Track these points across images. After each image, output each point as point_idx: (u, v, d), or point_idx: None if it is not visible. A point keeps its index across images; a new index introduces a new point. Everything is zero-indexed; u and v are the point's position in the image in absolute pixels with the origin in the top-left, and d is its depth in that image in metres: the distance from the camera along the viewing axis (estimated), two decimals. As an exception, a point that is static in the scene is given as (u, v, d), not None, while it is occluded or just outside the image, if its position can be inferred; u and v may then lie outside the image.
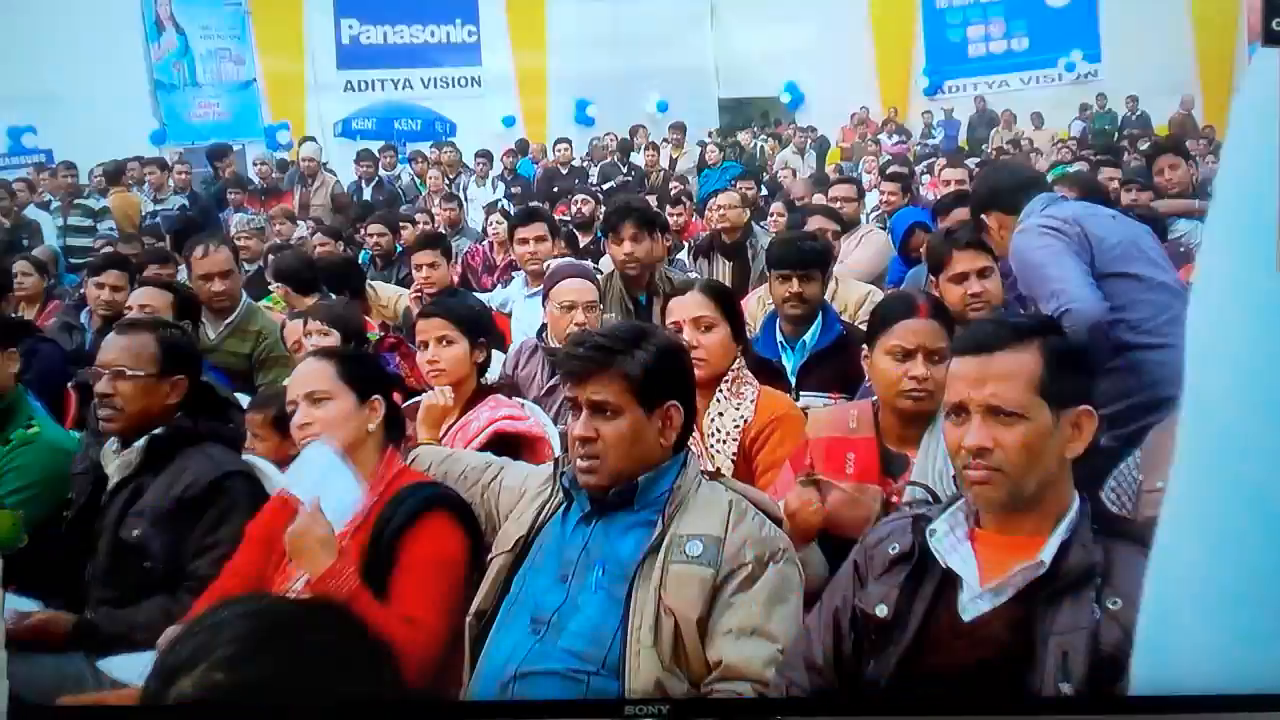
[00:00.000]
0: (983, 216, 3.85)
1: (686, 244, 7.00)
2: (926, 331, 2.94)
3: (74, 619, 2.96)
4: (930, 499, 2.63)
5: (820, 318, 4.16)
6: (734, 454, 3.34)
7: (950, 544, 2.20)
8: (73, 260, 8.53)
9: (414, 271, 5.72)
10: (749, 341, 3.80)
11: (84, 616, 2.97)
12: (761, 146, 13.93)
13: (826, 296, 4.53)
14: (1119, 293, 3.38)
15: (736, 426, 3.34)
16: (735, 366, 3.44)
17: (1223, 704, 2.09)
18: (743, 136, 14.22)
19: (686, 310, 3.51)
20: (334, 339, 3.90)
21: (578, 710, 2.32)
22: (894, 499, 2.81)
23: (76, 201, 9.82)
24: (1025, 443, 2.11)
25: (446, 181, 11.24)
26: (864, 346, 3.09)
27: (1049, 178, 6.54)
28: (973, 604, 2.15)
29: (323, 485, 2.67)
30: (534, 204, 8.27)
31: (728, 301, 3.57)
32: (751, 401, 3.38)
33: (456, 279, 6.23)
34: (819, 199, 7.22)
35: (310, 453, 2.73)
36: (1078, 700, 2.16)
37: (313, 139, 12.39)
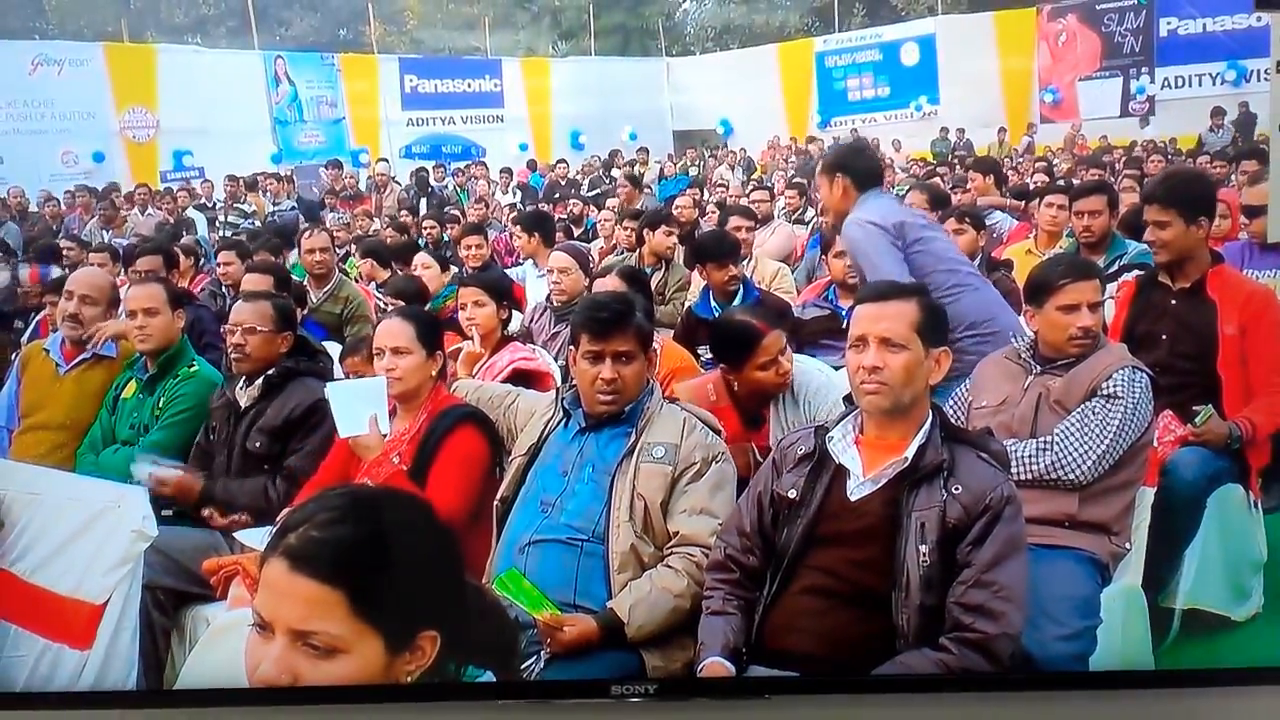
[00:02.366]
0: (836, 175, 3.37)
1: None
2: (776, 341, 2.81)
3: (202, 482, 2.96)
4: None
5: (742, 287, 4.11)
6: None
7: (842, 447, 2.16)
8: (229, 248, 8.48)
9: (461, 250, 5.64)
10: (651, 311, 3.64)
11: (208, 483, 2.97)
12: (703, 164, 13.84)
13: (749, 272, 4.49)
14: (919, 265, 3.19)
15: None
16: None
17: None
18: (690, 156, 14.14)
19: (606, 286, 3.49)
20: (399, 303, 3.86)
21: (564, 690, 2.16)
22: (753, 447, 2.73)
23: (235, 205, 9.76)
24: (906, 366, 2.10)
25: (489, 186, 11.23)
26: (723, 366, 2.89)
27: (905, 189, 6.52)
28: (858, 488, 2.12)
29: (376, 405, 2.70)
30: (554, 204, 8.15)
31: (637, 283, 3.56)
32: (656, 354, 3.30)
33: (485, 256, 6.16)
34: (743, 201, 7.17)
35: (369, 384, 2.77)
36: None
37: (385, 160, 12.35)
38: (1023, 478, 2.49)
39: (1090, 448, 2.49)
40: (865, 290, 2.28)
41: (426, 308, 3.98)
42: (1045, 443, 2.54)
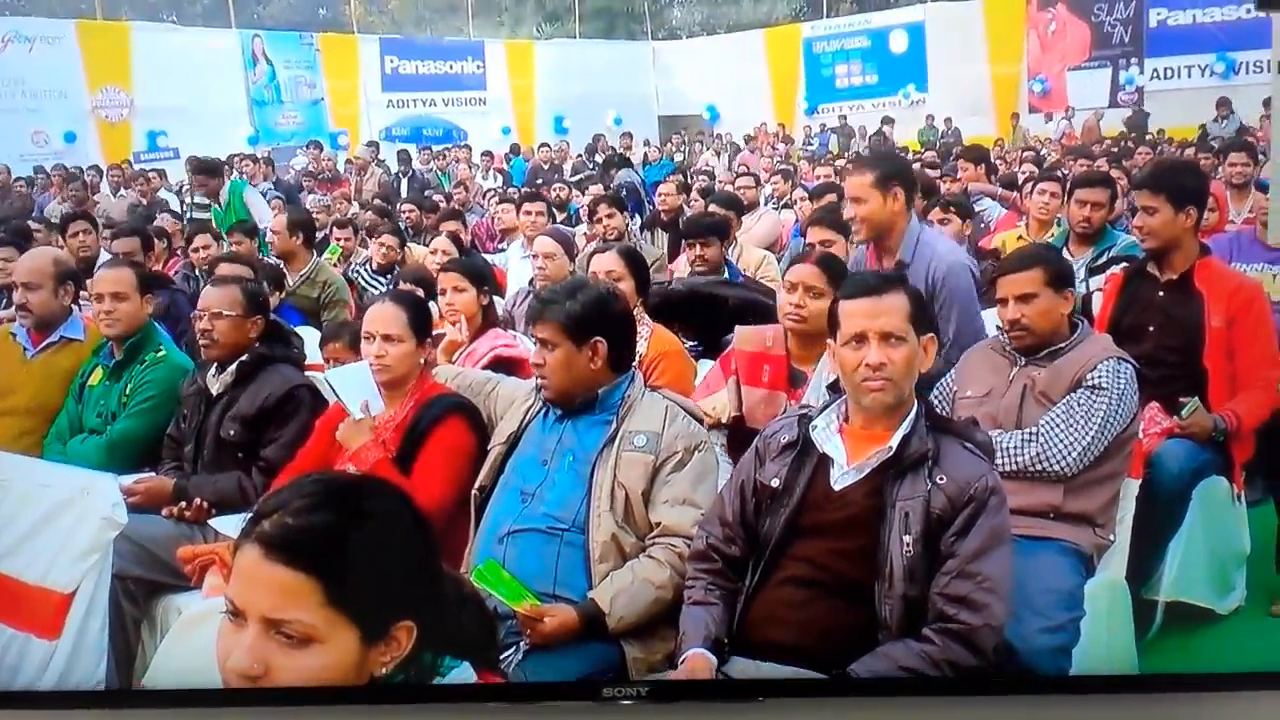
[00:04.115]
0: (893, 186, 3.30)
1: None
2: (807, 272, 2.90)
3: (174, 482, 2.93)
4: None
5: (727, 273, 4.11)
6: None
7: (826, 436, 2.15)
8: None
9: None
10: (648, 293, 3.63)
11: (179, 481, 2.94)
12: (688, 150, 13.82)
13: (734, 259, 4.48)
14: None
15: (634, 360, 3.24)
16: (636, 311, 3.26)
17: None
18: (674, 142, 14.13)
19: (602, 265, 3.48)
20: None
21: (556, 693, 2.12)
22: (793, 403, 2.77)
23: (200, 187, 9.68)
24: (907, 358, 2.09)
25: (470, 170, 11.16)
26: None
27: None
28: (841, 478, 2.12)
29: (367, 391, 2.67)
30: (537, 189, 8.09)
31: (635, 262, 3.51)
32: (645, 339, 3.26)
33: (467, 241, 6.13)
34: (728, 188, 7.16)
35: (360, 369, 2.73)
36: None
37: (375, 143, 12.28)
38: (1008, 469, 2.49)
39: (1076, 439, 2.50)
40: (854, 284, 2.24)
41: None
42: (1031, 434, 2.55)
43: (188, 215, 9.09)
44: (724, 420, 2.83)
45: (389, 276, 5.22)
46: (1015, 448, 2.54)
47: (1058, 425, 2.53)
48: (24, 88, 11.27)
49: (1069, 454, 2.50)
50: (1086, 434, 2.50)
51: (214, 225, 6.30)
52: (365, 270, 5.32)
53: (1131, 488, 2.65)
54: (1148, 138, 10.59)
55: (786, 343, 2.94)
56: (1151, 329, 3.10)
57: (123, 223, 5.88)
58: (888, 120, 13.53)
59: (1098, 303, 3.41)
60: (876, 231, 3.29)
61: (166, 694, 2.21)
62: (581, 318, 2.42)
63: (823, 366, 2.86)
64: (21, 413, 3.30)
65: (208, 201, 7.64)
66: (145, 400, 3.18)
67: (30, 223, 7.00)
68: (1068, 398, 2.56)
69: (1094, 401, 2.53)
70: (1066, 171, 7.16)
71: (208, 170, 7.29)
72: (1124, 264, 3.53)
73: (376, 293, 4.98)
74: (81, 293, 3.62)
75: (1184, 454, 2.87)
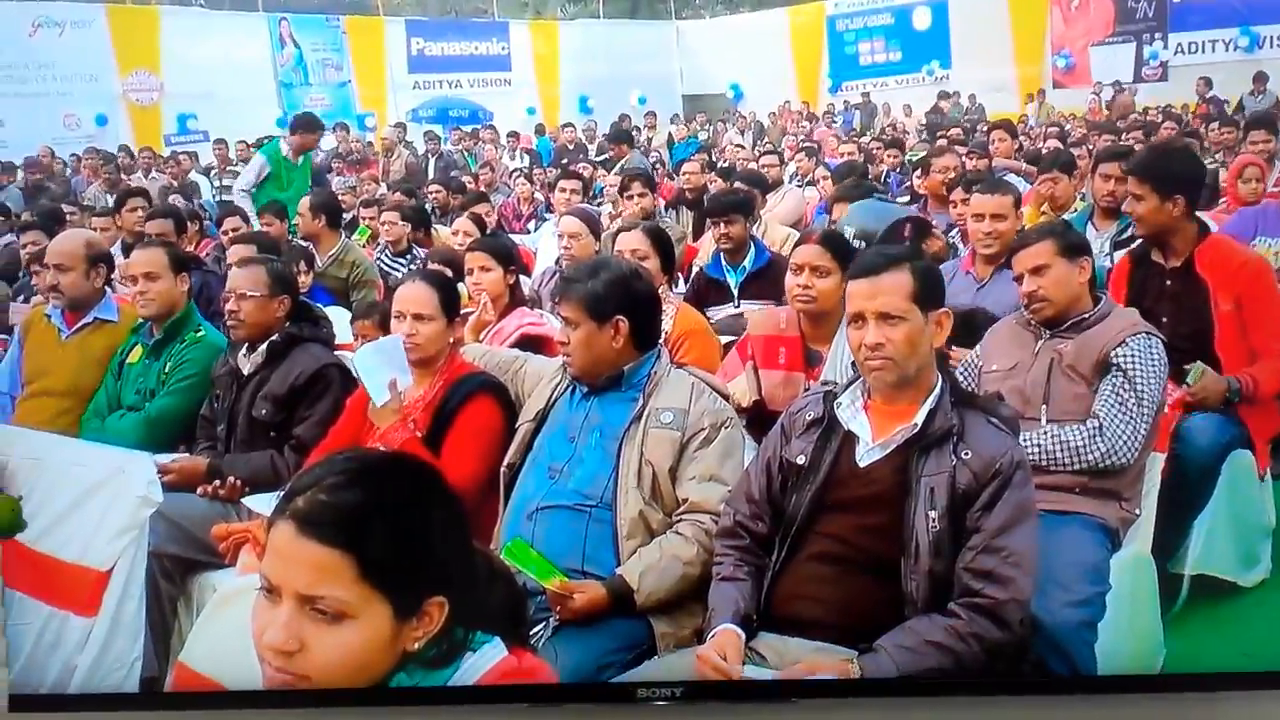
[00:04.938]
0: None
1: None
2: (810, 252, 2.91)
3: (208, 461, 2.95)
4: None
5: (753, 248, 4.09)
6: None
7: (851, 412, 2.14)
8: (228, 212, 8.44)
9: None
10: (673, 272, 3.66)
11: (213, 460, 2.95)
12: (712, 129, 13.74)
13: (759, 236, 4.46)
14: None
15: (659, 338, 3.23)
16: (661, 290, 3.21)
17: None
18: (699, 120, 14.04)
19: (627, 244, 3.47)
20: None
21: (590, 694, 2.12)
22: (812, 383, 2.76)
23: (229, 168, 9.70)
24: (907, 338, 2.06)
25: (496, 151, 11.15)
26: None
27: (918, 155, 6.52)
28: (866, 454, 2.10)
29: (397, 366, 2.67)
30: (574, 167, 8.03)
31: (660, 241, 3.49)
32: (671, 317, 3.25)
33: (493, 223, 6.15)
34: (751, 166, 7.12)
35: (394, 341, 2.72)
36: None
37: (402, 124, 12.27)
38: (1076, 467, 2.47)
39: (1136, 430, 2.47)
40: (857, 265, 2.21)
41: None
42: (1095, 430, 2.49)
43: (218, 196, 9.17)
44: (744, 405, 2.82)
45: (408, 258, 5.24)
46: (1082, 445, 2.48)
47: (1117, 418, 2.48)
48: (55, 72, 11.31)
49: (1133, 445, 2.46)
50: (1141, 421, 2.47)
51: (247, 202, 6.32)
52: (386, 254, 5.34)
53: (1157, 461, 2.62)
54: (1174, 112, 10.41)
55: (800, 324, 2.93)
56: (1165, 319, 3.01)
57: (157, 205, 5.90)
58: (944, 95, 13.39)
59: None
60: (1008, 249, 3.29)
61: (199, 697, 2.20)
62: (603, 296, 2.41)
63: (838, 344, 2.85)
64: (58, 393, 3.33)
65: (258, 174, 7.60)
66: (184, 378, 3.20)
67: (64, 205, 7.05)
68: (1113, 385, 2.51)
69: (1140, 387, 2.49)
70: (1091, 147, 7.09)
71: (315, 126, 7.22)
72: (1140, 240, 3.49)
73: (400, 275, 5.01)
74: (114, 275, 3.65)
75: (1213, 429, 2.83)
